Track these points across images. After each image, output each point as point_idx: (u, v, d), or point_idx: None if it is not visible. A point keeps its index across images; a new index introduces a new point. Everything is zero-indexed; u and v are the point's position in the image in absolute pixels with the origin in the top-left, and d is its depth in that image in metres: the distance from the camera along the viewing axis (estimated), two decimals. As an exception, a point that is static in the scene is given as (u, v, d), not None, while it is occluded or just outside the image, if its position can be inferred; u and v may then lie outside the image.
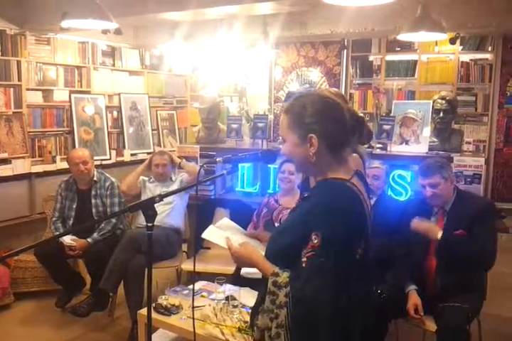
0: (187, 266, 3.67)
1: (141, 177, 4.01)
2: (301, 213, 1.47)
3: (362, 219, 1.44)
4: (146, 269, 1.71)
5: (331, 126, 1.46)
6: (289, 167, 3.37)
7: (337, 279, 1.36)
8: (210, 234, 1.78)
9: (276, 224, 3.36)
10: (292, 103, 1.52)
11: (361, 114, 1.58)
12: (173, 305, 2.68)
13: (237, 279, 3.20)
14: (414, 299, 2.67)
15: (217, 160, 1.77)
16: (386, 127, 3.81)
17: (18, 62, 4.70)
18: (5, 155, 4.53)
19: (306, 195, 1.57)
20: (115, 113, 5.81)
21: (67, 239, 3.60)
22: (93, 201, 3.82)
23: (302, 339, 1.39)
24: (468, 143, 4.02)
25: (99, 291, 3.48)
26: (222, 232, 1.76)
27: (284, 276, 1.42)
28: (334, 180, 1.47)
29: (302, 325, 1.38)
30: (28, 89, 4.82)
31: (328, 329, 1.37)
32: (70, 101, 5.20)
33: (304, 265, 1.38)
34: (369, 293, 1.52)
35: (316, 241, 1.36)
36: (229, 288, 2.78)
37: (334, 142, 1.47)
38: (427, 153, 3.72)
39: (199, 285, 3.01)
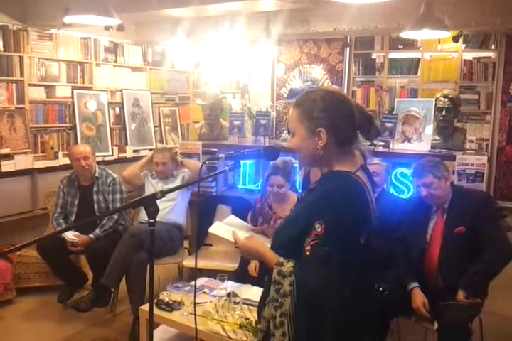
0: (189, 262, 3.68)
1: (145, 171, 4.02)
2: (306, 204, 1.51)
3: (366, 208, 1.46)
4: (148, 265, 1.72)
5: (340, 121, 1.50)
6: (277, 180, 3.26)
7: (341, 267, 1.38)
8: (216, 228, 1.81)
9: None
10: (303, 97, 1.55)
11: (370, 112, 1.59)
12: (175, 301, 2.69)
13: (238, 276, 3.21)
14: (420, 298, 2.66)
15: (220, 156, 1.77)
16: (388, 125, 3.80)
17: (21, 58, 4.70)
18: (7, 150, 4.53)
19: (311, 187, 1.60)
20: (117, 109, 5.80)
21: (70, 235, 3.61)
22: (95, 197, 3.83)
23: (306, 327, 1.41)
24: (471, 141, 4.02)
25: (101, 287, 3.49)
26: (229, 227, 1.78)
27: (288, 266, 1.44)
28: (338, 172, 1.51)
29: (306, 313, 1.40)
30: (30, 85, 4.82)
31: (332, 317, 1.39)
32: (72, 97, 5.20)
33: (307, 253, 1.41)
34: (371, 282, 1.54)
35: (319, 230, 1.39)
36: (230, 285, 2.78)
37: (342, 137, 1.51)
38: (429, 151, 3.71)
39: (201, 281, 3.02)
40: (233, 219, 1.92)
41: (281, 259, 1.47)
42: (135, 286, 3.37)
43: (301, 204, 1.57)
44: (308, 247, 1.40)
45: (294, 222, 1.52)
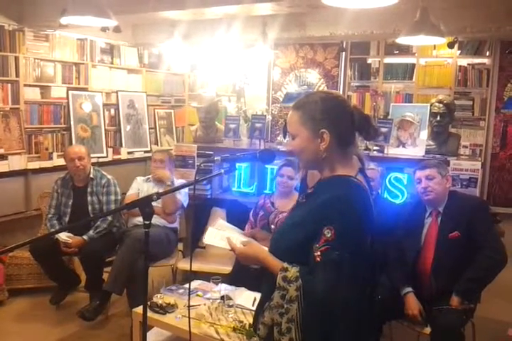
0: (183, 265, 3.68)
1: (137, 177, 4.02)
2: (310, 209, 1.49)
3: (370, 211, 1.47)
4: (143, 268, 1.72)
5: (341, 123, 1.51)
6: (288, 171, 3.34)
7: (352, 271, 1.39)
8: (211, 237, 1.78)
9: (272, 227, 3.35)
10: (303, 100, 1.55)
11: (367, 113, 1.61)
12: (169, 304, 2.68)
13: (232, 279, 3.20)
14: (416, 304, 2.67)
15: (216, 159, 1.77)
16: (383, 130, 3.81)
17: (16, 58, 4.68)
18: (1, 151, 4.51)
19: (309, 191, 1.59)
20: (112, 111, 5.79)
21: (63, 236, 3.59)
22: (89, 198, 3.82)
23: (315, 333, 1.40)
24: (465, 147, 4.04)
25: (103, 293, 3.45)
26: (222, 233, 1.76)
27: (293, 271, 1.44)
28: (340, 176, 1.51)
29: (315, 319, 1.39)
30: (25, 85, 4.80)
31: (341, 321, 1.39)
32: (67, 98, 5.19)
33: (318, 259, 1.40)
34: (375, 285, 1.54)
35: (329, 235, 1.39)
36: (224, 288, 2.78)
37: (343, 138, 1.52)
38: (423, 156, 3.73)
39: (194, 284, 3.01)
40: (223, 223, 1.91)
41: (286, 264, 1.46)
42: (139, 290, 3.32)
43: (304, 209, 1.54)
44: (318, 253, 1.39)
45: (299, 226, 1.49)
